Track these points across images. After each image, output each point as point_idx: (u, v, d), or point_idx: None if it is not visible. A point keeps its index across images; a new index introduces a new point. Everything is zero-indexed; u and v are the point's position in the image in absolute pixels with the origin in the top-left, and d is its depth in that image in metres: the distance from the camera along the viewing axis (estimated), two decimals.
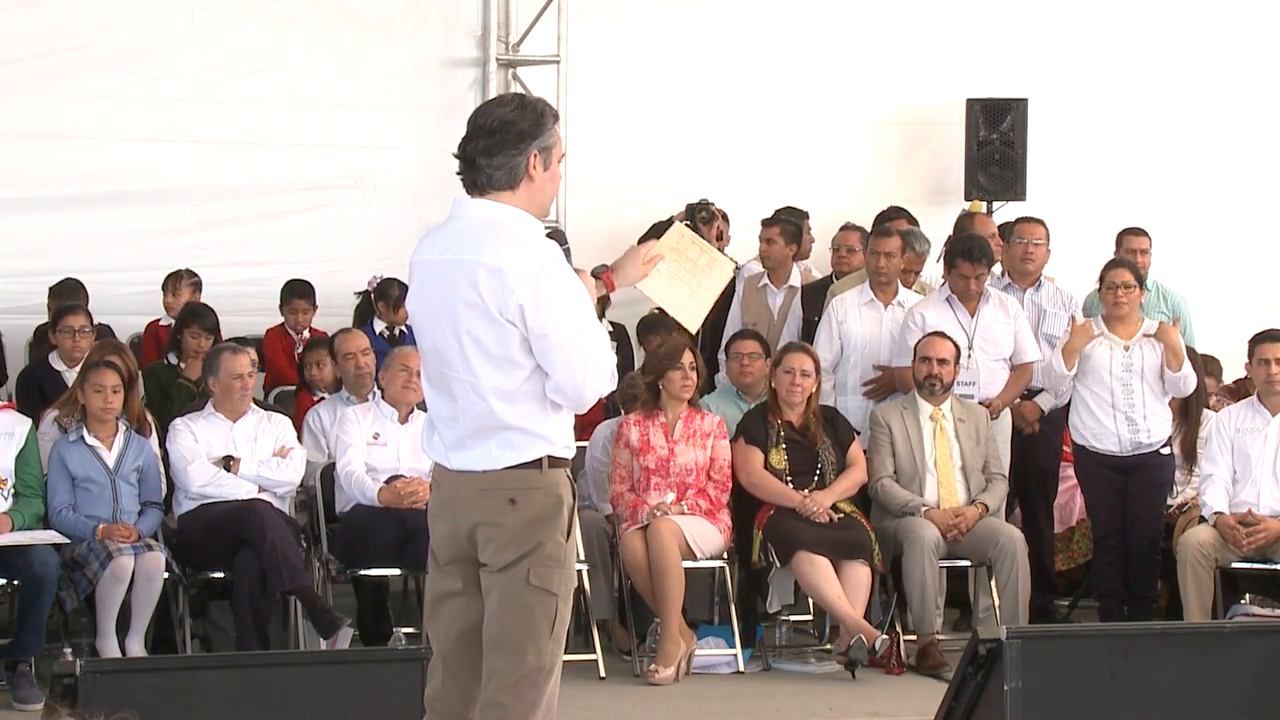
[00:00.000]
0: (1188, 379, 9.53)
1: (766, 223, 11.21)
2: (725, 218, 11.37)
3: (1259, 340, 9.43)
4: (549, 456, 5.11)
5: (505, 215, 5.13)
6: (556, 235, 5.41)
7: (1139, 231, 10.88)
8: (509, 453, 5.09)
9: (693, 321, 5.90)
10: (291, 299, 10.96)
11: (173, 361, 10.06)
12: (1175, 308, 10.77)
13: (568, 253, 5.29)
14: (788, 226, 11.15)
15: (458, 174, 5.21)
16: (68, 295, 10.54)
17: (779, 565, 9.07)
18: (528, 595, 5.07)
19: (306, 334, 10.82)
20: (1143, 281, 9.80)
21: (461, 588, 5.18)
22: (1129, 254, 10.71)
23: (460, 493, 5.15)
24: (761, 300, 10.98)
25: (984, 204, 12.34)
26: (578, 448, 9.36)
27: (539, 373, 5.08)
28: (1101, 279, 9.69)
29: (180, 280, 10.81)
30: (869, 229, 10.70)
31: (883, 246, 10.04)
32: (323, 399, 10.04)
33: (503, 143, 5.11)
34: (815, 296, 10.59)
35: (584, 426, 9.65)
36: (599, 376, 5.11)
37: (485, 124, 5.14)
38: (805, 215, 11.38)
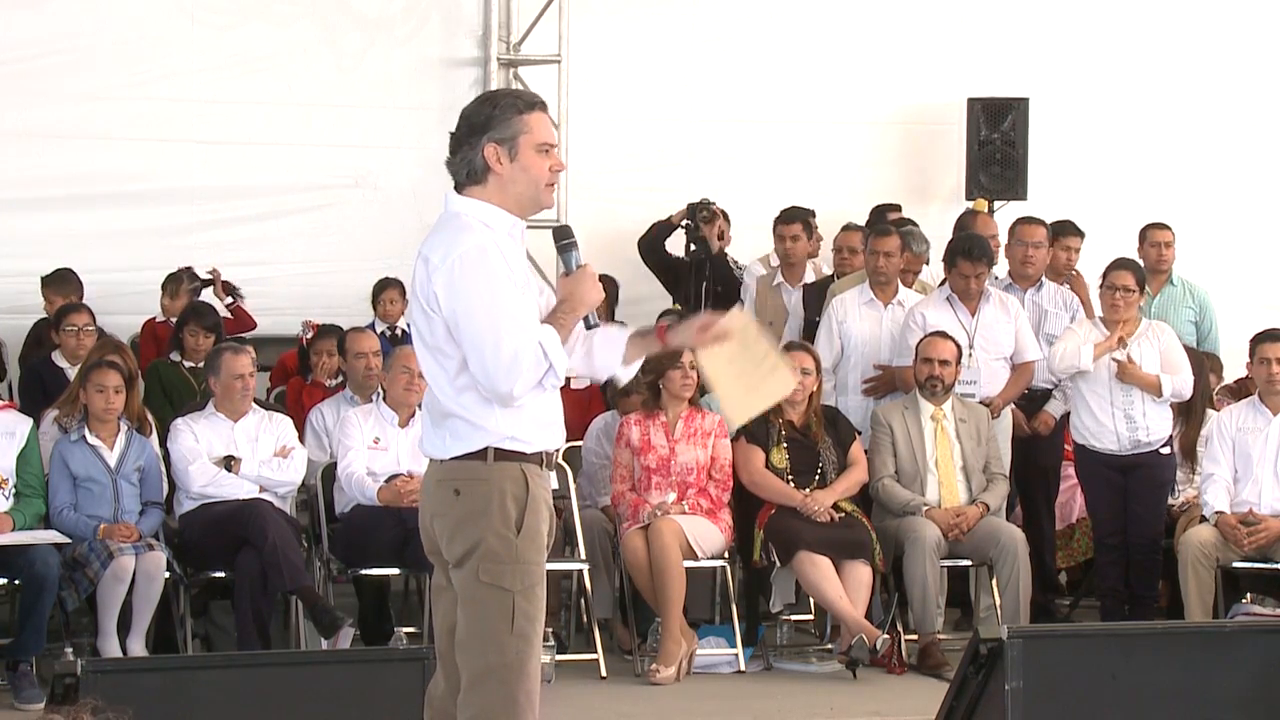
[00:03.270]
0: (1178, 392, 9.53)
1: (786, 219, 11.12)
2: (726, 217, 11.37)
3: (1260, 340, 9.44)
4: (494, 449, 5.07)
5: (464, 208, 5.15)
6: (562, 231, 5.35)
7: (1162, 225, 10.89)
8: (456, 442, 5.09)
9: (739, 417, 5.62)
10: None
11: (176, 359, 10.07)
12: (1201, 303, 10.80)
13: (573, 245, 5.25)
14: (808, 223, 11.13)
15: None
16: (59, 283, 10.54)
17: (780, 565, 9.07)
18: (479, 592, 5.04)
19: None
20: (1144, 286, 9.78)
21: (447, 583, 5.18)
22: (1153, 247, 10.75)
23: (426, 482, 5.23)
24: (777, 299, 10.93)
25: (986, 204, 12.33)
26: (576, 446, 9.52)
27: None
28: (1104, 277, 9.69)
29: (180, 284, 10.79)
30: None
31: (882, 246, 10.03)
32: (317, 382, 10.04)
33: (459, 138, 5.16)
34: (816, 296, 10.58)
35: (583, 425, 9.67)
36: (513, 372, 4.97)
37: (457, 125, 5.20)
38: (812, 213, 11.38)
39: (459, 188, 5.18)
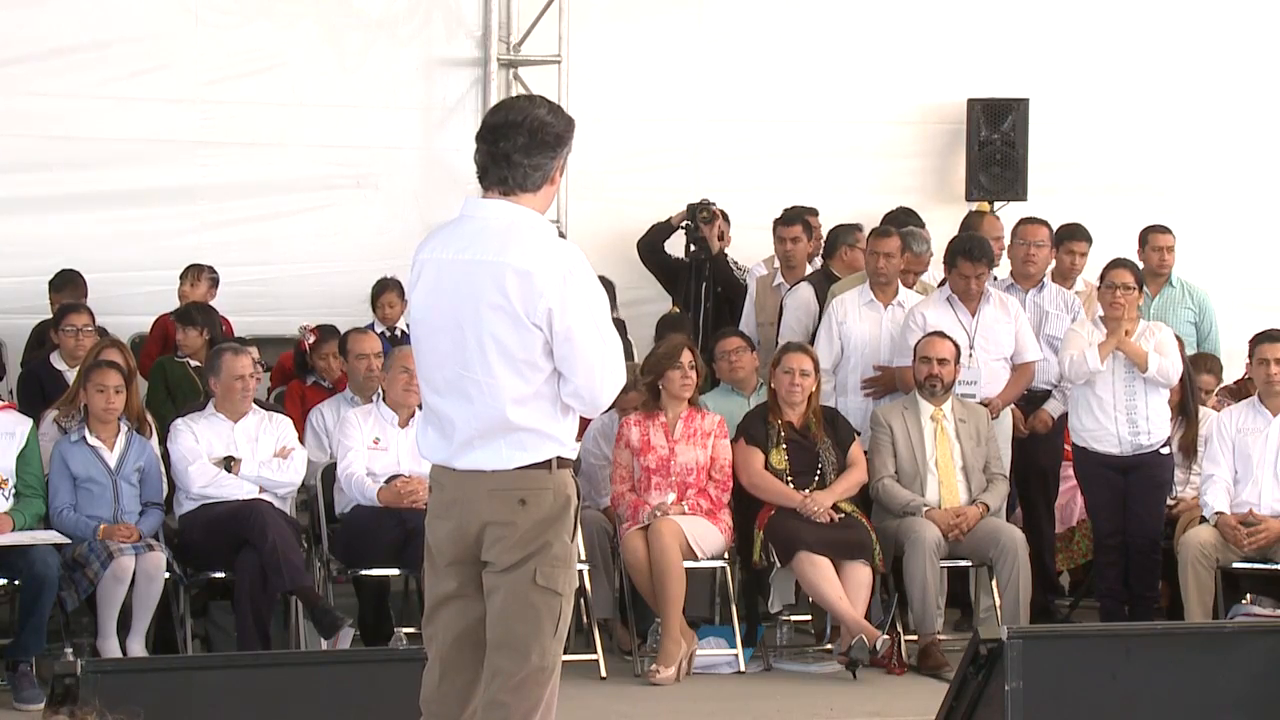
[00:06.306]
0: (1165, 371, 9.49)
1: (786, 221, 11.09)
2: (726, 218, 11.37)
3: (1259, 340, 9.44)
4: (558, 458, 5.12)
5: (525, 217, 5.09)
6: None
7: (1163, 229, 10.84)
8: (520, 453, 5.08)
9: None
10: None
11: (183, 356, 10.07)
12: (1200, 304, 10.78)
13: None
14: (807, 224, 11.12)
15: (477, 163, 5.12)
16: (67, 287, 10.54)
17: (780, 565, 9.07)
18: (533, 595, 5.07)
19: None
20: (1142, 284, 9.79)
21: (457, 589, 5.17)
22: (1154, 251, 10.72)
23: (467, 493, 5.13)
24: (777, 300, 10.90)
25: (988, 205, 12.31)
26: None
27: (555, 375, 5.07)
28: (1102, 277, 9.69)
29: (201, 273, 10.81)
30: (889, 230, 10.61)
31: (882, 247, 10.03)
32: (317, 383, 10.04)
33: (543, 144, 5.08)
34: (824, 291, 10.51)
35: (582, 425, 9.66)
36: (615, 382, 5.12)
37: (523, 122, 5.07)
38: (814, 212, 11.37)
39: (507, 190, 5.09)
